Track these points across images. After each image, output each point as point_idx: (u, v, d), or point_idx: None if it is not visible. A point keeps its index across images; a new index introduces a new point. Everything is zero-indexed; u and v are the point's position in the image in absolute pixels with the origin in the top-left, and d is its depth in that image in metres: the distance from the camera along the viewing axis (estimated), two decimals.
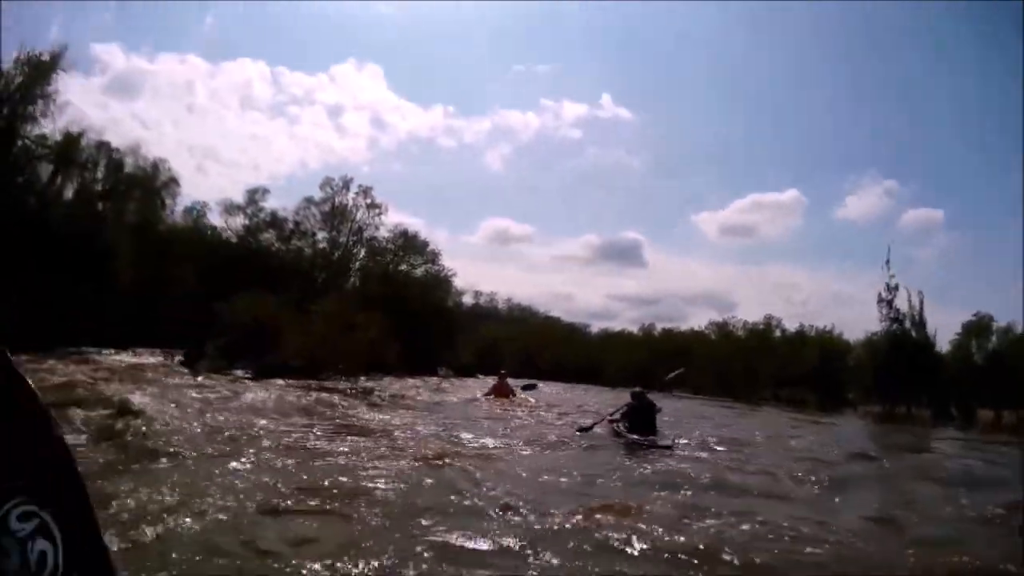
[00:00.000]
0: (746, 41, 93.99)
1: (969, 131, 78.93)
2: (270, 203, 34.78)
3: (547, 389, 27.68)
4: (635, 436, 9.08)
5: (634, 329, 53.53)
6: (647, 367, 45.82)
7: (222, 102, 78.90)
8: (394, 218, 35.73)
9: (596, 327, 61.17)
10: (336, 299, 17.81)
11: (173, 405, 9.19)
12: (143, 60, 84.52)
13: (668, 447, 8.66)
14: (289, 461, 6.35)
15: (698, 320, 50.19)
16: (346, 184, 34.49)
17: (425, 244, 35.17)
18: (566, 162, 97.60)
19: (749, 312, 75.02)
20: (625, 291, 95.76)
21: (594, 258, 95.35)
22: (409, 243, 34.68)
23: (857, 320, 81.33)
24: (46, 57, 22.90)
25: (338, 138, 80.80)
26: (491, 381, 19.42)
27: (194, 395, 10.95)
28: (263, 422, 8.90)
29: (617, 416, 10.07)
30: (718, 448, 10.01)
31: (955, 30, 73.10)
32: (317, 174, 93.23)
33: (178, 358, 17.13)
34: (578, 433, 10.02)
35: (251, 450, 6.75)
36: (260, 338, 15.57)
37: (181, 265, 27.32)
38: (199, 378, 13.74)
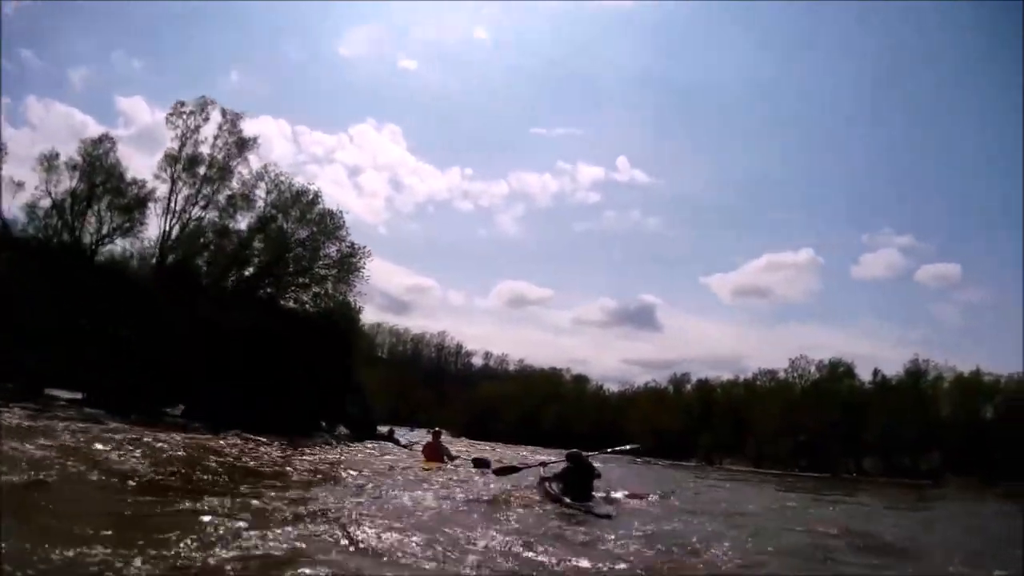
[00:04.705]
0: (757, 103, 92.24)
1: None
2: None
3: (541, 458, 16.77)
4: (568, 499, 7.94)
5: (661, 384, 42.24)
6: (680, 429, 34.53)
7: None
8: (407, 280, 22.74)
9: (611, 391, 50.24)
10: None
11: None
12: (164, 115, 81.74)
13: (607, 516, 7.55)
14: None
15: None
16: (203, 108, 22.58)
17: (315, 198, 22.48)
18: (582, 224, 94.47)
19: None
20: (641, 355, 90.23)
21: (610, 321, 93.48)
22: (295, 199, 22.21)
23: None
24: None
25: (356, 197, 79.95)
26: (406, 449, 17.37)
27: None
28: None
29: (551, 476, 8.88)
30: None
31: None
32: None
33: None
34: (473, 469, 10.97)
35: None
36: None
37: None
38: None
